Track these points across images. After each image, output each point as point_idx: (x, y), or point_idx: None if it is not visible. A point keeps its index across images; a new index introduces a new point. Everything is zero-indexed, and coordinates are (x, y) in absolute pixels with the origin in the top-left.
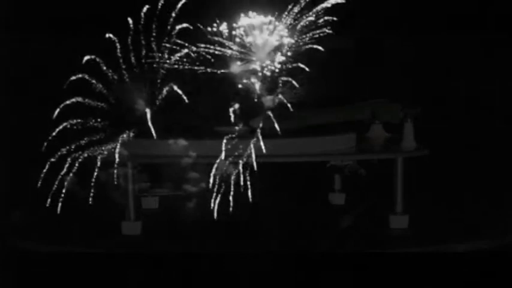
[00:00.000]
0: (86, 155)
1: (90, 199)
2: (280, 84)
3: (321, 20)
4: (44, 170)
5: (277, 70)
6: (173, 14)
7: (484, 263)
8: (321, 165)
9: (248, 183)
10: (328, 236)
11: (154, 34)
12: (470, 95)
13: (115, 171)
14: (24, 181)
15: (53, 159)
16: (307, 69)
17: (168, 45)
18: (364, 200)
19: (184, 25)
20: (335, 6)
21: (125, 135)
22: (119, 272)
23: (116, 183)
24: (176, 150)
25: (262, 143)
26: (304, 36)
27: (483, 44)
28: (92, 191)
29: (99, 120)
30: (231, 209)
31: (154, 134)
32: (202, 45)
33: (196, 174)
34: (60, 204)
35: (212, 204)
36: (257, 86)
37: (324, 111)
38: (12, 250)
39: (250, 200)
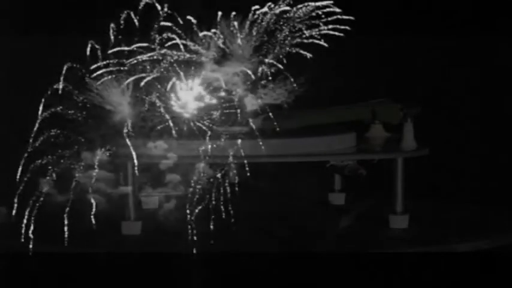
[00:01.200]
0: (64, 163)
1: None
2: (260, 88)
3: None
4: (25, 178)
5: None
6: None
7: (484, 263)
8: (321, 165)
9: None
10: (328, 236)
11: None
12: (470, 95)
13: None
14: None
15: (32, 165)
16: (291, 78)
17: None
18: (364, 200)
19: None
20: (326, 7)
21: (102, 149)
22: (119, 272)
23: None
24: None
25: (259, 143)
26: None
27: (486, 45)
28: (72, 195)
29: (78, 132)
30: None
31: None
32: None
33: (176, 176)
34: (37, 206)
35: (190, 237)
36: (239, 89)
37: (323, 111)
38: (10, 250)
39: (234, 228)
